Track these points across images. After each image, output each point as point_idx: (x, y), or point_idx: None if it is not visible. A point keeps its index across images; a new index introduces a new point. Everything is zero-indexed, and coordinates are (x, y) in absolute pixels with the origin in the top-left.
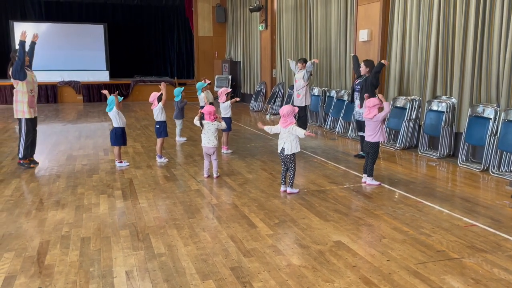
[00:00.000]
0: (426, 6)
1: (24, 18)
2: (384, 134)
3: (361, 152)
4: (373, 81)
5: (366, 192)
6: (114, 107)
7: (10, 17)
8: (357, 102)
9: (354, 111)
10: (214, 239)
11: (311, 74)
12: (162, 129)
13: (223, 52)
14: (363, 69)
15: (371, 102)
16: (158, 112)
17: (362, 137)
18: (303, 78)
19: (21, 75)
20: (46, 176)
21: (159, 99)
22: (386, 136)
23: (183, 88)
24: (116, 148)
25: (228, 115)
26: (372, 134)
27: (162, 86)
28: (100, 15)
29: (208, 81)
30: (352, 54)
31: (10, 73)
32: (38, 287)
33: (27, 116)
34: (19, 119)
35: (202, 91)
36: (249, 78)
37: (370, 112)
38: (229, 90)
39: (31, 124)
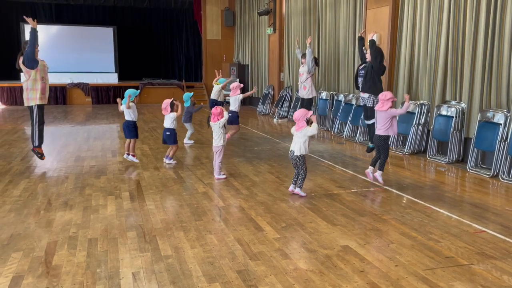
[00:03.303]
0: (436, 10)
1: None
2: (396, 129)
3: (370, 144)
4: (381, 70)
5: (373, 196)
6: (130, 103)
7: (21, 19)
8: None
9: (360, 96)
10: (221, 242)
11: (316, 64)
12: (173, 137)
13: (231, 55)
14: (368, 56)
15: (386, 95)
16: (171, 120)
17: (369, 126)
18: (308, 72)
19: (35, 64)
20: (55, 177)
21: (172, 105)
22: (390, 147)
23: (192, 93)
24: (127, 141)
25: (235, 109)
26: (382, 128)
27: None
28: (109, 18)
29: (219, 77)
30: (359, 35)
31: (21, 62)
32: (45, 287)
33: (39, 103)
34: (30, 108)
35: (222, 88)
36: (257, 81)
37: (384, 105)
38: (242, 85)
39: (41, 111)
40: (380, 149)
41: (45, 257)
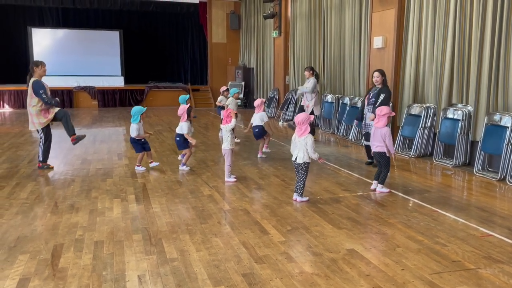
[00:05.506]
0: (442, 13)
1: (42, 24)
2: (387, 150)
3: (369, 160)
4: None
5: (379, 200)
6: (139, 121)
7: (29, 23)
8: (371, 115)
9: (366, 123)
10: (226, 245)
11: (316, 78)
12: (182, 141)
13: (237, 58)
14: (378, 78)
15: (382, 110)
16: (182, 127)
17: (367, 146)
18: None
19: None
20: (61, 179)
21: (188, 112)
22: (395, 150)
23: (188, 96)
24: (138, 155)
25: (260, 123)
26: (380, 145)
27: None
28: (116, 21)
29: (225, 87)
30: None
31: (30, 85)
32: None
33: (44, 126)
34: (37, 130)
35: (234, 97)
36: (262, 84)
37: (379, 121)
38: (264, 100)
39: (48, 130)
40: (381, 164)
41: (52, 259)
